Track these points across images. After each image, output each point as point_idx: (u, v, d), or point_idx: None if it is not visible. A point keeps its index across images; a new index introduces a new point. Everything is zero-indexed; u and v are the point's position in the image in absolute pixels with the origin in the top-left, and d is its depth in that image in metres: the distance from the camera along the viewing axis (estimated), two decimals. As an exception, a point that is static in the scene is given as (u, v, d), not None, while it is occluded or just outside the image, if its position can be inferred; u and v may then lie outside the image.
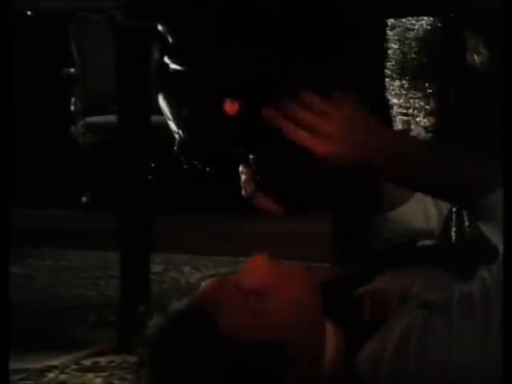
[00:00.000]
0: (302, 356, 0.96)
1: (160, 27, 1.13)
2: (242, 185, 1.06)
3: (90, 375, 1.69)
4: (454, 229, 1.25)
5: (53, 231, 3.50)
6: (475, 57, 1.29)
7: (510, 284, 0.90)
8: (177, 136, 1.13)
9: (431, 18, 1.32)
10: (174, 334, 0.98)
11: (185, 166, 1.16)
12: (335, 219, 1.27)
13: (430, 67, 1.36)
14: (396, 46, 1.36)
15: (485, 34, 1.29)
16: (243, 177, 1.06)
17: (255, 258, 1.00)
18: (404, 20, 1.34)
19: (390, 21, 1.36)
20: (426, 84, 1.35)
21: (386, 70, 1.38)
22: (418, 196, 1.09)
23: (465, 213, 1.24)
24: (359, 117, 0.98)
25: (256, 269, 1.00)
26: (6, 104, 1.12)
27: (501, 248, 0.94)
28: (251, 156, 1.07)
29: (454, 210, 1.22)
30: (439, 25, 1.32)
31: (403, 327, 0.94)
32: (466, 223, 1.25)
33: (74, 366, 1.74)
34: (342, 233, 1.21)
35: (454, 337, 0.91)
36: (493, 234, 0.96)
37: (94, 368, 1.73)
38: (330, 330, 0.98)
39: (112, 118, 3.01)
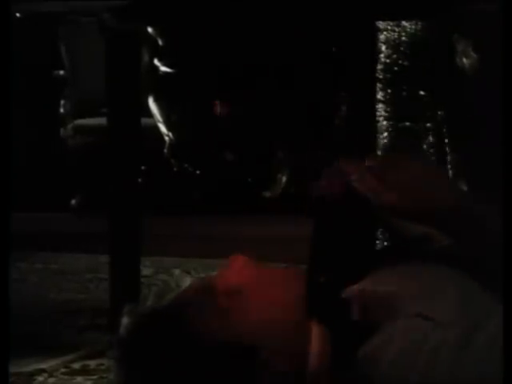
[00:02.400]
0: (278, 357, 0.96)
1: (150, 30, 1.13)
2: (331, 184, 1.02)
3: (79, 378, 1.68)
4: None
5: (42, 234, 3.49)
6: (465, 60, 1.29)
7: (510, 284, 0.90)
8: (167, 138, 1.13)
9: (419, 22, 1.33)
10: (146, 332, 0.98)
11: (175, 169, 1.16)
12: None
13: (419, 71, 1.36)
14: (386, 50, 1.36)
15: (474, 38, 1.29)
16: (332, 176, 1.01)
17: (233, 258, 1.01)
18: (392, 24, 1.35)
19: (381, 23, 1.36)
20: (420, 91, 1.36)
21: (378, 75, 1.38)
22: None
23: None
24: (426, 170, 1.01)
25: (233, 269, 1.00)
26: (6, 107, 1.12)
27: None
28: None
29: None
30: (428, 28, 1.33)
31: (404, 336, 0.93)
32: None
33: (63, 370, 1.74)
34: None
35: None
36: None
37: (84, 371, 1.73)
38: (315, 331, 0.99)
39: (102, 120, 3.01)
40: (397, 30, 1.33)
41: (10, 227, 1.07)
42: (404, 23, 1.32)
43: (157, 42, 1.12)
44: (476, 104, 1.29)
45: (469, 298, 0.97)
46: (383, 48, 1.35)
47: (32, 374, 1.71)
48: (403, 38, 1.33)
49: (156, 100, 1.13)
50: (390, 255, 1.09)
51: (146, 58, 1.20)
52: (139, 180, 2.06)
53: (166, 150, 1.13)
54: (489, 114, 1.15)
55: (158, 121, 1.14)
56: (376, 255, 1.10)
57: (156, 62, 1.12)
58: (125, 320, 0.99)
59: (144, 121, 1.92)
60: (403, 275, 1.03)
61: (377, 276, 1.04)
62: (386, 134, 1.36)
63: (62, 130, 4.24)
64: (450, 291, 0.98)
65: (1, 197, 1.08)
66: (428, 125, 1.35)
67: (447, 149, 1.32)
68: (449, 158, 1.30)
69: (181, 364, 0.95)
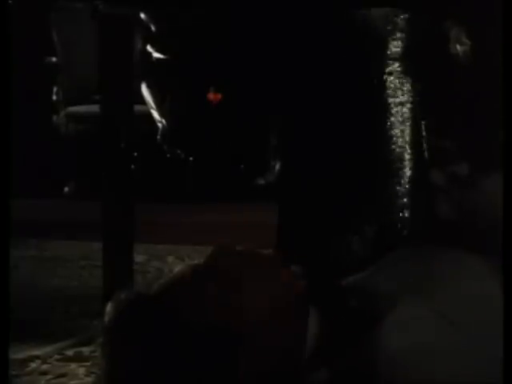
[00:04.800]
0: (264, 343, 0.96)
1: (143, 15, 1.13)
2: None
3: (73, 365, 1.68)
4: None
5: (36, 221, 3.48)
6: (458, 47, 1.29)
7: (511, 284, 0.90)
8: (160, 125, 1.13)
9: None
10: (130, 318, 0.98)
11: (168, 155, 1.15)
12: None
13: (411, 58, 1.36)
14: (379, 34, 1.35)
15: (467, 24, 1.29)
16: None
17: (219, 245, 1.02)
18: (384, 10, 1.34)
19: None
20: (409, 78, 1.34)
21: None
22: None
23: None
24: None
25: (219, 256, 1.01)
26: (5, 97, 1.11)
27: None
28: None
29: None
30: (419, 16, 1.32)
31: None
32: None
33: (56, 356, 1.74)
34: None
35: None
36: None
37: (77, 358, 1.73)
38: (313, 318, 0.99)
39: (95, 107, 3.00)
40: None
41: (9, 215, 1.07)
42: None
43: (150, 28, 1.11)
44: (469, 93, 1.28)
45: (471, 292, 0.97)
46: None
47: (26, 361, 1.71)
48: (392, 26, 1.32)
49: (149, 86, 1.13)
50: (394, 247, 1.10)
51: (139, 44, 1.19)
52: (132, 167, 2.06)
53: (158, 137, 1.13)
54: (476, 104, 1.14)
55: (151, 107, 1.14)
56: (380, 247, 1.10)
57: (149, 48, 1.11)
58: (110, 306, 1.00)
59: (137, 108, 1.92)
60: (406, 267, 1.03)
61: (378, 267, 1.04)
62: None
63: (54, 118, 4.22)
64: (453, 285, 0.98)
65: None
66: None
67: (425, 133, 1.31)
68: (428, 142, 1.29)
69: (166, 349, 0.96)
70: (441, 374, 0.91)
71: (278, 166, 1.12)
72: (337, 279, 1.03)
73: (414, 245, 1.08)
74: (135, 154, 1.99)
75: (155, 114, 1.08)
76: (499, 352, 0.88)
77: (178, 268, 1.04)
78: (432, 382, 0.91)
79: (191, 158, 1.05)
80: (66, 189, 4.25)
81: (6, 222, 1.07)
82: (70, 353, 1.76)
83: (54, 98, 4.22)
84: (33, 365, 1.69)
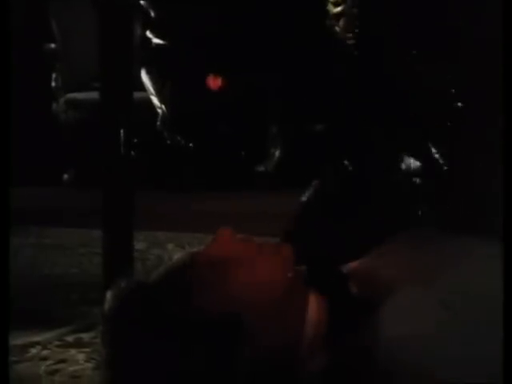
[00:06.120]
0: (264, 330, 0.97)
1: (142, 1, 1.12)
2: None
3: (73, 351, 1.69)
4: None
5: (36, 209, 3.48)
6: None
7: (511, 284, 0.90)
8: (160, 111, 1.13)
9: None
10: (129, 306, 0.98)
11: (168, 142, 1.15)
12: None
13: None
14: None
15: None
16: None
17: (219, 232, 1.01)
18: None
19: None
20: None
21: None
22: None
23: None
24: None
25: (219, 243, 1.00)
26: (5, 86, 1.11)
27: None
28: None
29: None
30: None
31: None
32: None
33: (56, 342, 1.74)
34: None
35: None
36: None
37: (77, 344, 1.73)
38: (313, 304, 0.99)
39: (94, 94, 2.99)
40: None
41: (9, 203, 1.07)
42: None
43: (149, 13, 1.10)
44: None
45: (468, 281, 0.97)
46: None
47: (26, 346, 1.71)
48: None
49: (148, 72, 1.12)
50: (394, 235, 1.09)
51: (138, 30, 1.19)
52: (132, 154, 2.06)
53: (158, 123, 1.13)
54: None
55: (151, 93, 1.13)
56: (379, 234, 1.10)
57: (148, 33, 1.10)
58: (110, 294, 1.00)
59: (136, 94, 1.91)
60: (403, 255, 1.03)
61: (378, 253, 1.04)
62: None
63: (53, 105, 4.21)
64: (452, 270, 0.98)
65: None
66: None
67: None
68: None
69: (166, 337, 0.95)
70: (439, 360, 0.91)
71: (277, 154, 1.12)
72: (337, 266, 1.03)
73: (414, 230, 1.08)
74: (135, 140, 1.99)
75: (155, 101, 1.07)
76: (498, 339, 0.88)
77: (177, 255, 1.03)
78: (430, 370, 0.91)
79: (191, 145, 1.05)
80: (66, 176, 4.24)
81: (5, 210, 1.06)
82: (69, 339, 1.76)
83: (53, 84, 4.21)
84: (33, 351, 1.70)
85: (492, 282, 0.94)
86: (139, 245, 2.51)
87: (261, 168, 1.28)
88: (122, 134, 1.98)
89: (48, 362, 1.63)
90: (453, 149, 1.09)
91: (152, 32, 1.10)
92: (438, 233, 1.05)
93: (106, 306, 0.99)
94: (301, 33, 1.07)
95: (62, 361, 1.64)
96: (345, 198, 1.15)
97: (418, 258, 1.02)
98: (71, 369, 1.60)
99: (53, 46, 4.22)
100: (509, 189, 0.92)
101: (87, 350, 1.69)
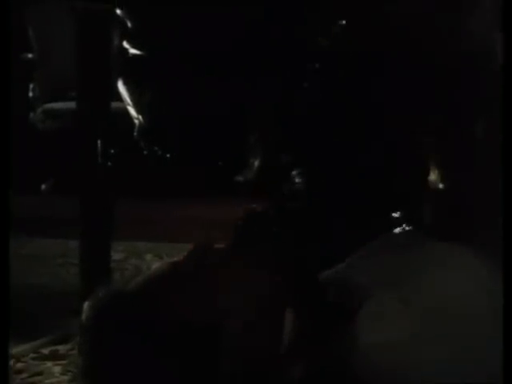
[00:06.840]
0: (244, 337, 0.96)
1: (119, 11, 1.12)
2: None
3: (49, 363, 1.67)
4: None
5: (13, 219, 3.45)
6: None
7: (511, 284, 0.90)
8: (136, 121, 1.12)
9: None
10: (107, 316, 0.98)
11: (145, 152, 1.15)
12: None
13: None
14: None
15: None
16: None
17: (198, 240, 1.02)
18: None
19: None
20: None
21: None
22: None
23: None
24: None
25: (198, 252, 1.01)
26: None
27: None
28: None
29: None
30: None
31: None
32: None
33: (32, 355, 1.72)
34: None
35: None
36: None
37: (53, 356, 1.72)
38: (289, 314, 0.99)
39: (72, 104, 2.98)
40: None
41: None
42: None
43: (126, 23, 1.10)
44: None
45: (444, 284, 0.98)
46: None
47: None
48: None
49: (125, 83, 1.12)
50: (369, 241, 1.10)
51: (116, 40, 1.18)
52: (110, 164, 2.05)
53: (135, 133, 1.12)
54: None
55: (128, 104, 1.13)
56: (353, 241, 1.10)
57: (125, 44, 1.10)
58: (87, 304, 0.99)
59: (114, 104, 1.91)
60: (380, 261, 1.03)
61: (353, 261, 1.04)
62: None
63: (31, 114, 4.19)
64: (425, 277, 0.99)
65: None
66: None
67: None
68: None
69: (144, 347, 0.95)
70: (414, 365, 0.92)
71: (256, 163, 1.12)
72: (314, 273, 1.03)
73: (397, 234, 1.08)
74: (112, 151, 1.98)
75: (132, 111, 1.07)
76: (473, 342, 0.88)
77: (155, 265, 1.03)
78: (405, 375, 0.92)
79: (168, 155, 1.04)
80: (44, 186, 4.22)
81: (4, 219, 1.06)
82: (45, 351, 1.75)
83: (31, 94, 4.18)
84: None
85: (471, 284, 0.95)
86: (117, 255, 2.50)
87: (239, 178, 1.28)
88: (99, 144, 1.97)
89: (23, 375, 1.61)
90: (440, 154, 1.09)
91: (129, 42, 1.10)
92: (420, 238, 1.06)
93: (84, 316, 0.99)
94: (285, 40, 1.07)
95: (38, 374, 1.62)
96: (321, 206, 1.15)
97: (395, 263, 1.02)
98: (47, 381, 1.58)
99: (30, 55, 4.20)
100: (508, 191, 0.92)
101: (63, 362, 1.67)
